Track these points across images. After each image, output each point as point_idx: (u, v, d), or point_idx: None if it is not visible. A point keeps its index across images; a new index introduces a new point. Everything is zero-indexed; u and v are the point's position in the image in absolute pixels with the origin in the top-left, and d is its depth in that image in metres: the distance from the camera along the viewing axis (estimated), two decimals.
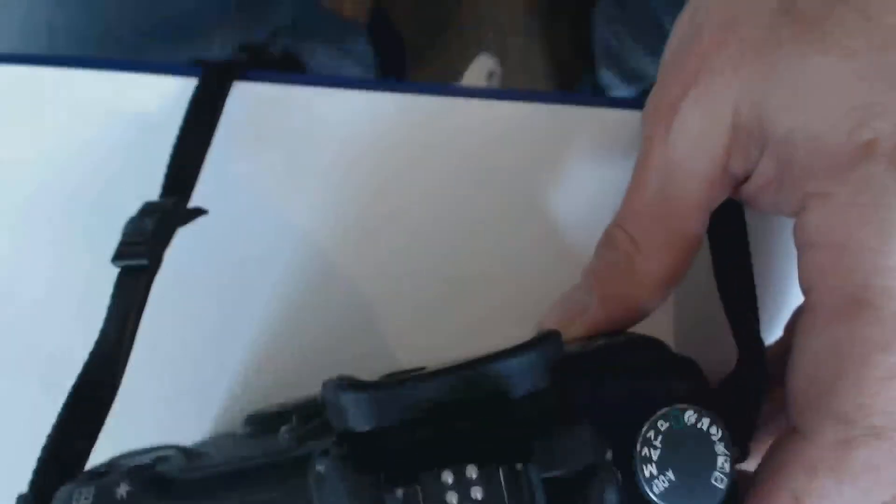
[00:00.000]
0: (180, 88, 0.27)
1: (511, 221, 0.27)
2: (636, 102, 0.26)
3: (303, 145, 0.27)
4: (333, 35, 0.58)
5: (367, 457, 0.18)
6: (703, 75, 0.21)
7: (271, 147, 0.27)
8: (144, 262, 0.24)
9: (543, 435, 0.17)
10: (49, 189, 0.28)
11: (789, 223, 0.21)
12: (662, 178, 0.22)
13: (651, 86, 0.23)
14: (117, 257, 0.24)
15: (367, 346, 0.27)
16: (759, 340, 0.22)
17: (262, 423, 0.25)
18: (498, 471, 0.17)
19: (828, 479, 0.18)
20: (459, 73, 0.59)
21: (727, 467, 0.18)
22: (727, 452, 0.19)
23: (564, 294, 0.24)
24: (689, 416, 0.19)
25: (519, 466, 0.17)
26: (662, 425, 0.18)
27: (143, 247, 0.24)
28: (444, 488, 0.17)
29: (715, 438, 0.19)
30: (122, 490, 0.20)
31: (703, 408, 0.19)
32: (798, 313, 0.22)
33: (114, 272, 0.24)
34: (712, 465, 0.18)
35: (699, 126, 0.21)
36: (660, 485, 0.18)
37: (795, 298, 0.22)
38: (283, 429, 0.21)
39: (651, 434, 0.18)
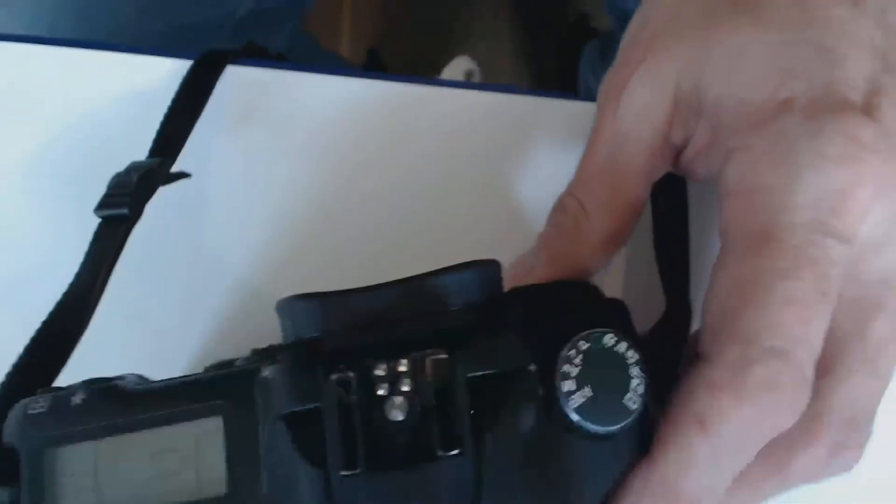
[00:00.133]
0: (178, 69, 0.29)
1: (482, 206, 0.29)
2: None
3: (286, 126, 0.29)
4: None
5: (313, 361, 0.19)
6: (650, 55, 0.23)
7: (256, 126, 0.29)
8: (125, 211, 0.25)
9: (472, 338, 0.18)
10: (49, 158, 0.30)
11: None
12: (610, 148, 0.24)
13: None
14: (100, 207, 0.25)
15: None
16: (686, 296, 0.23)
17: (221, 365, 0.25)
18: (425, 363, 0.18)
19: (728, 398, 0.19)
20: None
21: (641, 390, 0.19)
22: (642, 376, 0.19)
23: (517, 257, 0.25)
24: (609, 338, 0.20)
25: (445, 358, 0.18)
26: (583, 345, 0.19)
27: (126, 198, 0.25)
28: (377, 379, 0.18)
29: (631, 362, 0.19)
30: (78, 398, 0.20)
31: (622, 334, 0.19)
32: None
33: None
34: (626, 387, 0.19)
35: (644, 99, 0.23)
36: (577, 400, 0.19)
37: None
38: (238, 360, 0.22)
39: (572, 352, 0.19)
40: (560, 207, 0.24)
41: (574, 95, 0.30)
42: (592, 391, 0.19)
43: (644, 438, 0.20)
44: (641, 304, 0.27)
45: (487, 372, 0.18)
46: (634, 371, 0.19)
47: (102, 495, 0.20)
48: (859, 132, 0.19)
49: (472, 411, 0.18)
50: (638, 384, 0.19)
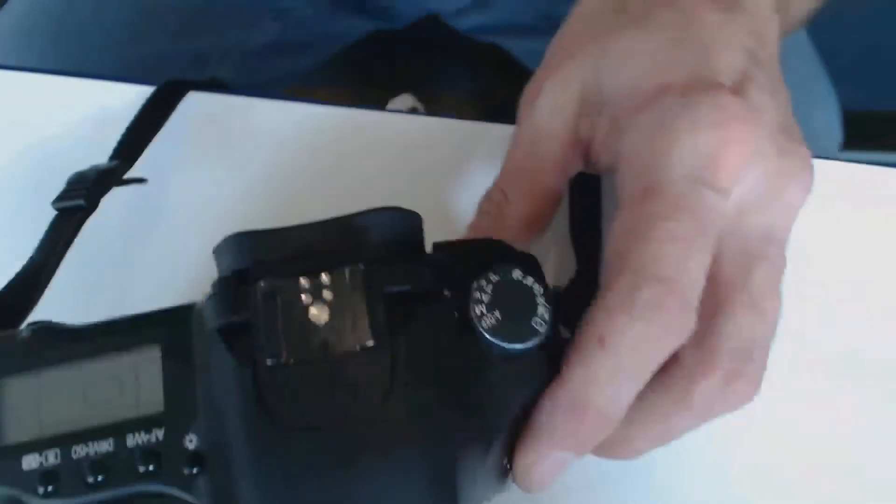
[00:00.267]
0: (146, 94, 0.32)
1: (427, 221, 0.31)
2: None
3: (242, 144, 0.32)
4: None
5: (243, 282, 0.20)
6: (560, 62, 0.27)
7: (214, 145, 0.32)
8: (81, 202, 0.27)
9: (390, 260, 0.20)
10: (20, 171, 0.32)
11: None
12: (528, 144, 0.27)
13: None
14: (58, 200, 0.28)
15: None
16: (595, 263, 0.25)
17: None
18: (345, 275, 0.20)
19: (622, 318, 0.21)
20: None
21: (547, 316, 0.22)
22: (547, 305, 0.22)
23: None
24: (517, 273, 0.22)
25: (362, 269, 0.20)
26: (493, 278, 0.22)
27: (83, 191, 0.27)
28: (301, 289, 0.20)
29: (537, 293, 0.22)
30: (24, 333, 0.22)
31: (530, 271, 0.22)
32: None
33: None
34: (533, 311, 0.22)
35: (555, 100, 0.26)
36: (488, 321, 0.21)
37: None
38: None
39: (483, 282, 0.22)
40: (486, 197, 0.28)
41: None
42: (502, 315, 0.21)
43: (554, 363, 0.22)
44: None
45: (403, 289, 0.20)
46: (541, 300, 0.22)
47: (45, 424, 0.21)
48: (728, 104, 0.22)
49: (387, 315, 0.20)
50: (543, 311, 0.22)
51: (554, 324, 0.22)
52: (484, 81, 0.62)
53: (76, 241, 0.27)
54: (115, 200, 0.28)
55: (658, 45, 0.24)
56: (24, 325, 0.23)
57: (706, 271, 0.22)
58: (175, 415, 0.21)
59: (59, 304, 0.25)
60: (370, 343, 0.20)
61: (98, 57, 0.47)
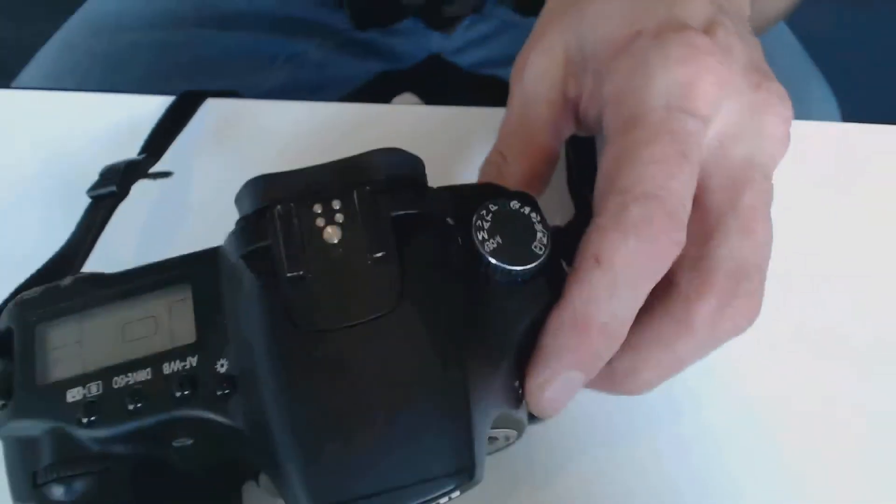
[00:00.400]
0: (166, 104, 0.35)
1: None
2: None
3: (259, 143, 0.34)
4: None
5: (262, 213, 0.22)
6: (543, 32, 0.29)
7: (231, 144, 0.35)
8: (113, 188, 0.29)
9: (398, 190, 0.22)
10: (57, 173, 0.35)
11: None
12: (521, 108, 0.29)
13: None
14: (92, 189, 0.30)
15: None
16: (589, 208, 0.27)
17: None
18: (353, 198, 0.22)
19: (614, 234, 0.22)
20: None
21: (545, 241, 0.23)
22: (545, 231, 0.23)
23: None
24: (514, 203, 0.24)
25: (369, 190, 0.22)
26: (492, 207, 0.24)
27: (114, 179, 0.30)
28: (314, 214, 0.22)
29: (535, 220, 0.24)
30: (66, 282, 0.24)
31: (527, 202, 0.23)
32: None
33: None
34: (532, 237, 0.23)
35: (543, 65, 0.29)
36: (490, 245, 0.23)
37: None
38: None
39: (483, 212, 0.23)
40: (486, 161, 0.30)
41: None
42: (503, 239, 0.23)
43: (555, 287, 0.23)
44: None
45: (409, 212, 0.22)
46: (538, 227, 0.23)
47: (87, 361, 0.23)
48: (697, 41, 0.24)
49: (395, 233, 0.22)
50: (542, 236, 0.23)
51: (553, 249, 0.23)
52: None
53: (109, 226, 0.29)
54: (142, 190, 0.31)
55: (629, 3, 0.26)
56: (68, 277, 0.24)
57: (692, 192, 0.24)
58: (206, 343, 0.22)
59: None
60: (380, 254, 0.21)
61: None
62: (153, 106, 0.35)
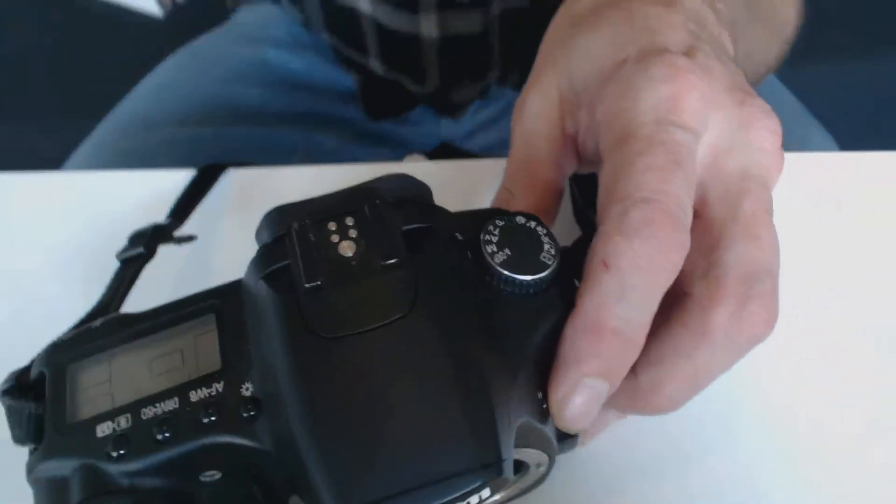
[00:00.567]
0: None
1: None
2: None
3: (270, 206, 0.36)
4: None
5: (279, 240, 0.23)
6: (538, 75, 0.31)
7: (252, 207, 0.36)
8: (141, 249, 0.31)
9: (408, 206, 0.23)
10: (91, 242, 0.36)
11: None
12: (522, 146, 0.30)
13: None
14: (121, 252, 0.31)
15: None
16: (594, 228, 0.28)
17: None
18: (365, 213, 0.23)
19: (618, 238, 0.23)
20: None
21: (553, 251, 0.24)
22: (552, 243, 0.24)
23: None
24: (520, 219, 0.25)
25: (379, 203, 0.23)
26: (499, 223, 0.24)
27: (142, 241, 0.31)
28: (329, 232, 0.23)
29: (541, 234, 0.24)
30: (96, 323, 0.25)
31: (532, 218, 0.24)
32: None
33: None
34: (540, 248, 0.24)
35: (539, 104, 0.30)
36: (500, 257, 0.24)
37: None
38: None
39: (491, 227, 0.24)
40: (495, 199, 0.31)
41: None
42: (511, 251, 0.24)
43: (567, 299, 0.24)
44: None
45: (419, 226, 0.23)
46: (545, 239, 0.24)
47: (116, 397, 0.23)
48: (679, 61, 0.26)
49: (407, 243, 0.22)
50: (549, 247, 0.24)
51: (561, 261, 0.24)
52: None
53: (137, 286, 0.31)
54: (168, 254, 0.32)
55: (611, 35, 0.28)
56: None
57: (689, 197, 0.24)
58: (231, 369, 0.23)
59: None
60: (393, 261, 0.22)
61: None
62: (179, 178, 0.37)
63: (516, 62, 0.61)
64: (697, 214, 0.26)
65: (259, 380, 0.22)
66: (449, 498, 0.20)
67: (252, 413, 0.22)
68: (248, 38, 0.66)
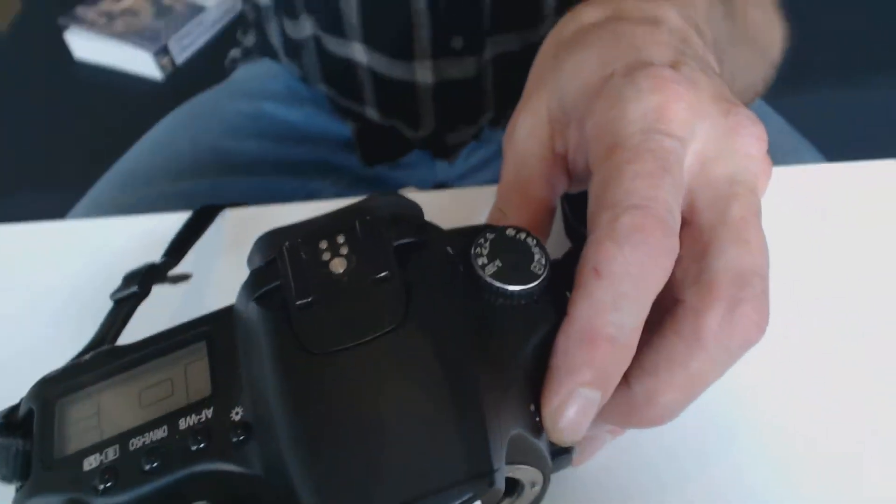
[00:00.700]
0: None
1: None
2: None
3: None
4: None
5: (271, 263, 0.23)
6: (528, 98, 0.31)
7: (240, 245, 0.36)
8: (135, 289, 0.31)
9: (399, 222, 0.23)
10: (89, 284, 0.36)
11: None
12: (514, 166, 0.31)
13: None
14: (115, 293, 0.31)
15: None
16: (584, 240, 0.28)
17: None
18: (356, 230, 0.22)
19: (609, 245, 0.23)
20: None
21: (543, 262, 0.24)
22: (543, 253, 0.24)
23: None
24: (510, 231, 0.25)
25: (369, 219, 0.22)
26: (489, 235, 0.24)
27: (136, 280, 0.31)
28: (321, 250, 0.22)
29: (531, 245, 0.24)
30: (86, 357, 0.24)
31: (521, 230, 0.24)
32: None
33: None
34: (530, 259, 0.24)
35: (530, 125, 0.30)
36: (490, 269, 0.23)
37: None
38: None
39: (481, 240, 0.24)
40: (487, 219, 0.31)
41: None
42: (502, 263, 0.23)
43: (558, 309, 0.23)
44: None
45: (410, 241, 0.23)
46: (536, 250, 0.24)
47: (104, 430, 0.23)
48: (665, 73, 0.26)
49: (397, 256, 0.22)
50: (540, 257, 0.24)
51: (552, 271, 0.24)
52: None
53: (130, 325, 0.30)
54: (163, 293, 0.32)
55: (598, 52, 0.28)
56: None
57: (678, 203, 0.24)
58: (221, 394, 0.22)
59: None
60: (383, 274, 0.22)
61: None
62: (175, 222, 0.37)
63: (509, 104, 0.62)
64: (687, 222, 0.26)
65: (249, 402, 0.22)
66: None
67: (241, 437, 0.22)
68: (245, 93, 0.67)
